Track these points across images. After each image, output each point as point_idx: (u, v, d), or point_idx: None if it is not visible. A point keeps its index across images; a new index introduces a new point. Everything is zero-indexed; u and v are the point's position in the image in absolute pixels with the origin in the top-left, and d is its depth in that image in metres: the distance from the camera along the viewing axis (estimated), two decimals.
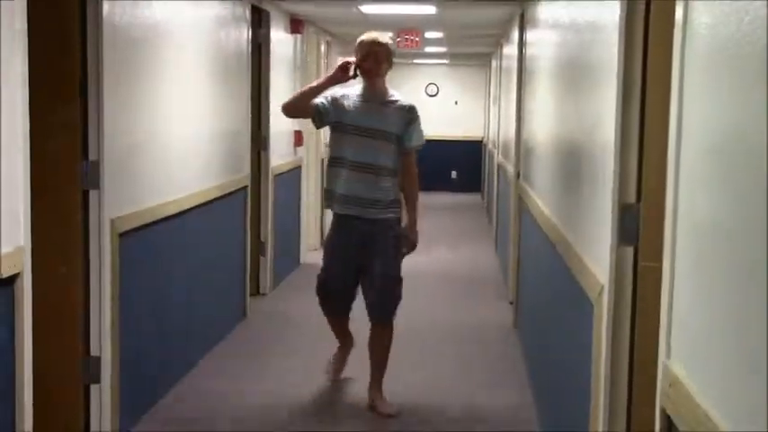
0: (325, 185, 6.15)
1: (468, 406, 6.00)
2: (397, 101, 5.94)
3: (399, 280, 5.95)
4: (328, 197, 5.97)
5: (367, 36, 5.91)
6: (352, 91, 5.93)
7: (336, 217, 5.95)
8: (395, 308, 6.02)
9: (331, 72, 5.89)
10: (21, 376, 3.82)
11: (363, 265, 5.87)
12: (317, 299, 6.12)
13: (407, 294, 9.50)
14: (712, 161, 2.16)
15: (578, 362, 4.02)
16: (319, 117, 5.85)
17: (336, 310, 6.18)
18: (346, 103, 5.84)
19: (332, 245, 6.00)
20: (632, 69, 3.32)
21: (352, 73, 5.78)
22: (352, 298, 6.08)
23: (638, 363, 3.28)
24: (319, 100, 5.79)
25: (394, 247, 5.88)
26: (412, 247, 5.97)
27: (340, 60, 5.89)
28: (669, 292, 2.43)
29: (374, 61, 5.82)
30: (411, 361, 7.03)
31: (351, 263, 5.90)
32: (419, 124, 5.97)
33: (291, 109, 5.92)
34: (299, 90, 6.32)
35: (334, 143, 5.94)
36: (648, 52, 3.24)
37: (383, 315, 5.97)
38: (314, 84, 5.99)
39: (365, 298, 5.95)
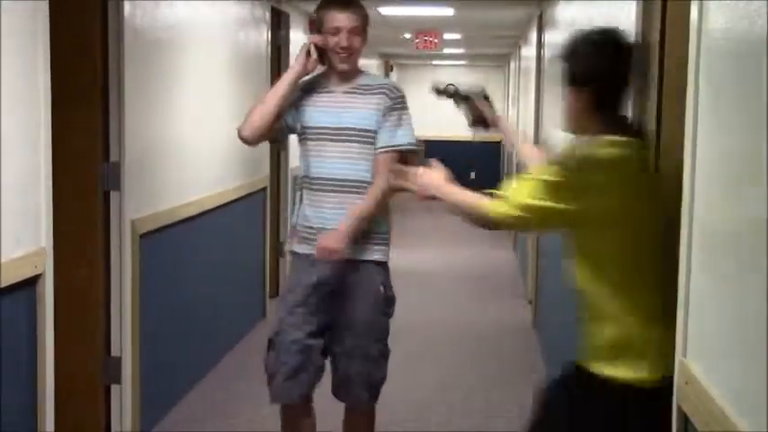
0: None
1: (485, 405, 6.02)
2: (374, 84, 4.27)
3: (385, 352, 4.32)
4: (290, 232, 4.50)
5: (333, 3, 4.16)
6: (309, 79, 4.29)
7: (295, 257, 4.35)
8: (377, 388, 4.34)
9: (294, 63, 4.22)
10: (43, 376, 3.86)
11: (332, 324, 4.25)
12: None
13: (426, 294, 9.56)
14: (728, 163, 2.18)
15: None
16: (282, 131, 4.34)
17: (294, 393, 4.23)
18: (303, 98, 4.26)
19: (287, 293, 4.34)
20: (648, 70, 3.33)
21: (314, 56, 4.15)
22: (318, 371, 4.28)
23: None
24: None
25: (380, 301, 4.25)
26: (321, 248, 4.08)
27: (304, 44, 4.22)
28: (685, 291, 2.45)
29: (347, 37, 4.12)
30: (428, 360, 7.06)
31: (312, 320, 4.20)
32: (406, 116, 4.36)
33: (252, 133, 4.18)
34: (254, 104, 4.23)
35: (300, 158, 4.37)
36: (665, 53, 3.26)
37: (361, 397, 4.32)
38: (273, 89, 4.22)
39: (334, 371, 4.32)
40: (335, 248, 4.02)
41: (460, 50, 17.08)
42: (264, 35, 8.14)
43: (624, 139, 2.80)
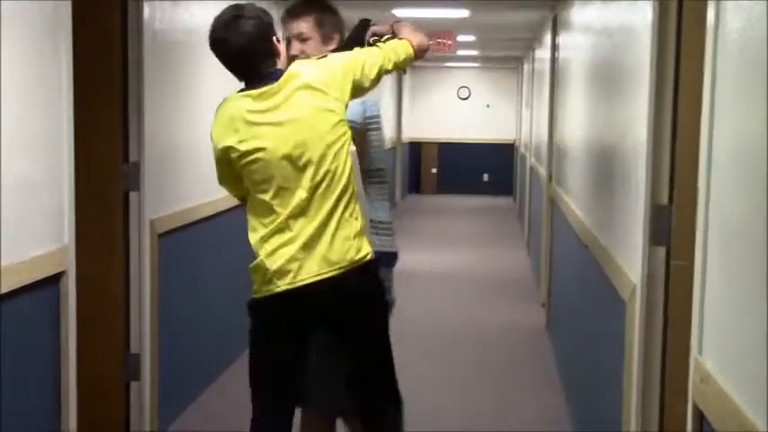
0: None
1: (499, 406, 6.05)
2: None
3: None
4: None
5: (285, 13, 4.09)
6: None
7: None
8: None
9: None
10: (66, 372, 3.91)
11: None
12: None
13: (439, 296, 9.59)
14: (744, 162, 2.21)
15: (611, 361, 4.07)
16: None
17: None
18: None
19: None
20: (665, 72, 3.36)
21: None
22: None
23: (671, 359, 3.33)
24: None
25: None
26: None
27: None
28: (701, 289, 2.49)
29: (297, 45, 3.98)
30: (440, 362, 7.09)
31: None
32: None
33: None
34: None
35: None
36: (681, 54, 3.29)
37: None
38: None
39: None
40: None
41: (474, 53, 17.10)
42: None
43: None
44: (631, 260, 3.66)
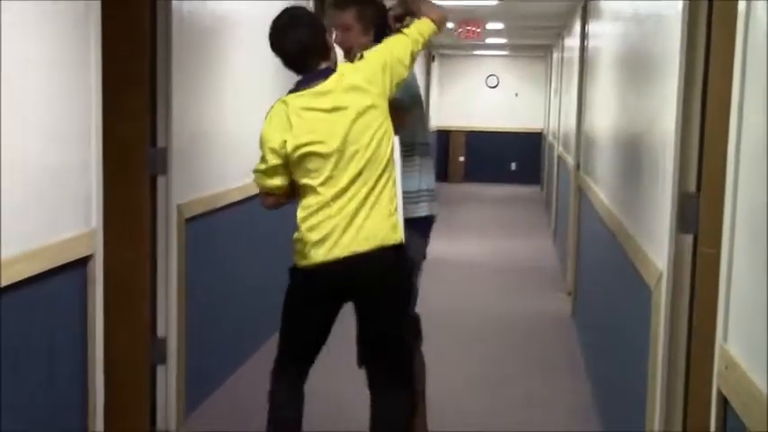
0: None
1: (525, 393, 6.06)
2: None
3: None
4: None
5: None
6: None
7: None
8: None
9: None
10: (92, 355, 3.94)
11: None
12: None
13: (465, 283, 9.60)
14: None
15: (636, 348, 4.07)
16: None
17: None
18: None
19: None
20: (694, 60, 3.35)
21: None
22: None
23: (696, 346, 3.33)
24: None
25: None
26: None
27: None
28: (727, 276, 2.48)
29: (339, 34, 4.39)
30: (466, 349, 7.10)
31: None
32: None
33: None
34: None
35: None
36: (711, 43, 3.27)
37: None
38: None
39: None
40: None
41: (503, 41, 17.06)
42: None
43: None
44: (658, 248, 3.65)
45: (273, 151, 3.95)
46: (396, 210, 3.99)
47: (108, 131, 4.16)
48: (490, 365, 6.70)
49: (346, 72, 3.99)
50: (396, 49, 4.05)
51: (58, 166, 3.63)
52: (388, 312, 4.07)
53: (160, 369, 5.13)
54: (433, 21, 4.19)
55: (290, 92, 4.03)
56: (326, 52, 4.03)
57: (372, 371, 4.19)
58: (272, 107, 4.03)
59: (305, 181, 3.95)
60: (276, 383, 4.29)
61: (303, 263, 4.05)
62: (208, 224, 5.59)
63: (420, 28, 4.17)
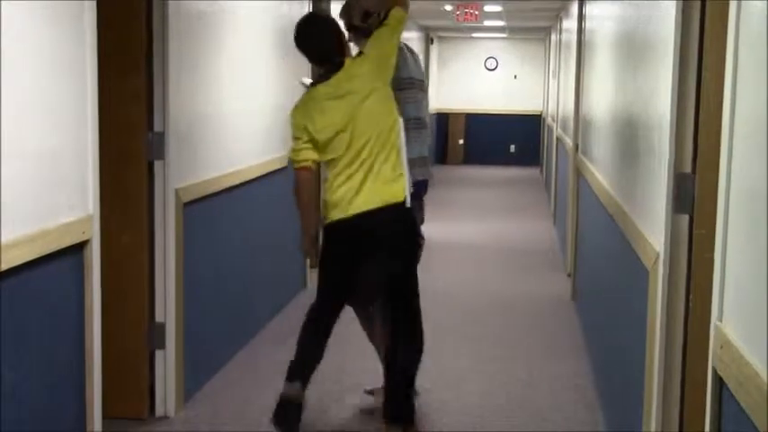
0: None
1: (526, 374, 6.07)
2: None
3: None
4: None
5: None
6: None
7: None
8: None
9: None
10: (90, 341, 3.94)
11: None
12: None
13: (466, 265, 9.62)
14: (766, 132, 2.20)
15: (634, 328, 4.08)
16: None
17: None
18: None
19: None
20: (689, 42, 3.36)
21: None
22: None
23: (693, 326, 3.34)
24: None
25: None
26: None
27: None
28: (722, 256, 2.48)
29: None
30: (467, 330, 7.11)
31: None
32: None
33: None
34: None
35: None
36: (705, 25, 3.27)
37: None
38: None
39: None
40: None
41: (501, 23, 17.03)
42: (306, 7, 8.18)
43: None
44: (655, 229, 3.66)
45: (301, 133, 4.81)
46: (400, 175, 4.78)
47: (105, 116, 4.16)
48: (490, 346, 6.71)
49: (352, 65, 4.81)
50: (381, 43, 4.83)
51: (54, 151, 3.63)
52: (397, 258, 4.89)
53: (158, 354, 5.14)
54: (402, 7, 4.93)
55: (312, 84, 4.99)
56: (341, 49, 4.84)
57: (389, 311, 4.95)
58: (301, 98, 4.95)
59: (327, 156, 4.81)
60: (310, 319, 5.03)
61: (326, 221, 4.87)
62: (206, 209, 5.59)
63: (391, 20, 4.88)
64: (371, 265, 4.92)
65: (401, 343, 4.93)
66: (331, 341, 5.00)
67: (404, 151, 4.83)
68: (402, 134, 4.82)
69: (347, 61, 4.81)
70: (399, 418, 4.90)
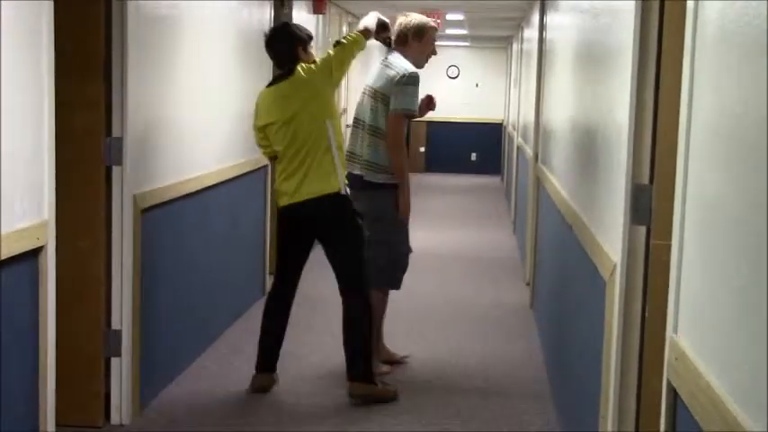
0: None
1: (482, 382, 6.07)
2: (396, 64, 5.93)
3: None
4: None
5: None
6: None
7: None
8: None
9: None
10: (45, 347, 3.90)
11: None
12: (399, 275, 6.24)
13: (426, 274, 9.61)
14: (721, 143, 2.21)
15: (591, 338, 4.09)
16: None
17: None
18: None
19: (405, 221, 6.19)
20: (647, 53, 3.37)
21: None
22: None
23: (649, 338, 3.35)
24: None
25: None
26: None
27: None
28: (677, 268, 2.49)
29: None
30: (426, 339, 7.10)
31: None
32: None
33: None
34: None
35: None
36: (663, 36, 3.29)
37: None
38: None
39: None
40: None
41: (463, 31, 17.07)
42: (267, 13, 8.16)
43: None
44: (612, 239, 3.67)
45: (255, 128, 5.68)
46: (332, 171, 5.44)
47: (62, 121, 4.12)
48: (447, 354, 6.71)
49: (300, 70, 5.46)
50: (333, 57, 5.52)
51: (9, 155, 3.58)
52: (333, 239, 5.63)
53: (114, 361, 5.09)
54: (363, 33, 5.73)
55: (267, 85, 5.73)
56: (297, 58, 5.52)
57: (338, 283, 5.69)
58: (259, 94, 5.69)
59: (276, 147, 5.55)
60: (268, 299, 5.89)
61: (279, 204, 5.63)
62: (164, 215, 5.56)
63: (349, 43, 5.60)
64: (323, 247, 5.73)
65: (351, 309, 5.63)
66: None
67: (335, 152, 5.45)
68: (332, 138, 5.45)
69: (299, 67, 5.45)
70: (358, 376, 5.57)
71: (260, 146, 5.75)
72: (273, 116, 5.48)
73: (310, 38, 5.69)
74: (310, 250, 5.80)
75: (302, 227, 5.64)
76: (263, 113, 5.56)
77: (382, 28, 5.88)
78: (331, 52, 5.54)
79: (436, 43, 6.31)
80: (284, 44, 5.56)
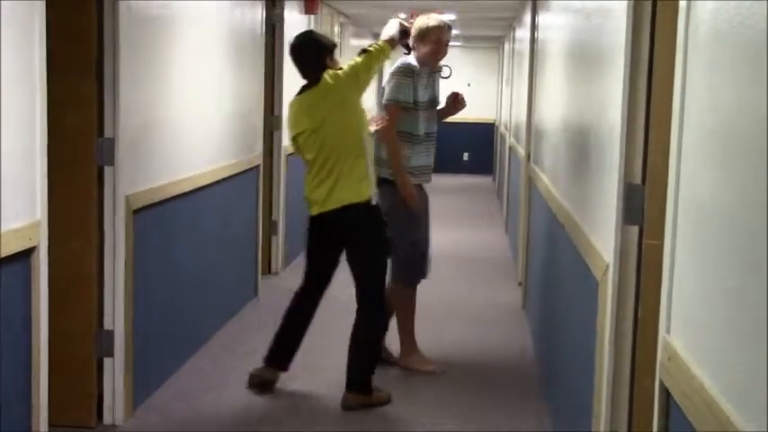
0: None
1: (476, 383, 6.07)
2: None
3: None
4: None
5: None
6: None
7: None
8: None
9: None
10: (37, 347, 3.90)
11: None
12: (410, 277, 6.34)
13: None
14: (713, 143, 2.21)
15: (584, 338, 4.09)
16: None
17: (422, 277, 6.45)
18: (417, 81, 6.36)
19: (417, 212, 6.28)
20: (639, 53, 3.37)
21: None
22: None
23: (642, 338, 3.35)
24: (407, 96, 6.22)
25: None
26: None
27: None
28: (670, 269, 2.49)
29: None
30: (422, 339, 7.09)
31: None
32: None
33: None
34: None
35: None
36: (655, 36, 3.29)
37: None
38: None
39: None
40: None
41: (455, 32, 17.06)
42: (259, 13, 8.16)
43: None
44: (605, 239, 3.67)
45: (291, 139, 5.72)
46: (364, 177, 5.45)
47: (55, 121, 4.12)
48: (439, 355, 6.70)
49: (327, 78, 5.44)
50: (360, 65, 5.53)
51: (0, 155, 3.57)
52: (357, 248, 5.58)
53: (107, 362, 5.09)
54: (387, 42, 5.86)
55: (297, 94, 5.63)
56: (324, 66, 5.49)
57: (356, 292, 5.62)
58: (290, 103, 5.70)
59: (306, 155, 5.54)
60: (294, 297, 5.90)
61: (310, 213, 5.64)
62: (156, 215, 5.55)
63: (375, 52, 5.68)
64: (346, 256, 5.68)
65: (363, 322, 5.61)
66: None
67: (370, 158, 5.52)
68: (367, 144, 5.51)
69: (325, 75, 5.43)
70: (354, 385, 5.56)
71: (301, 156, 5.69)
72: (302, 125, 5.49)
73: (334, 45, 5.73)
74: (339, 257, 5.74)
75: (331, 235, 5.63)
76: (293, 123, 5.60)
77: (404, 34, 6.07)
78: (358, 59, 5.56)
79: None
80: (312, 53, 5.54)
